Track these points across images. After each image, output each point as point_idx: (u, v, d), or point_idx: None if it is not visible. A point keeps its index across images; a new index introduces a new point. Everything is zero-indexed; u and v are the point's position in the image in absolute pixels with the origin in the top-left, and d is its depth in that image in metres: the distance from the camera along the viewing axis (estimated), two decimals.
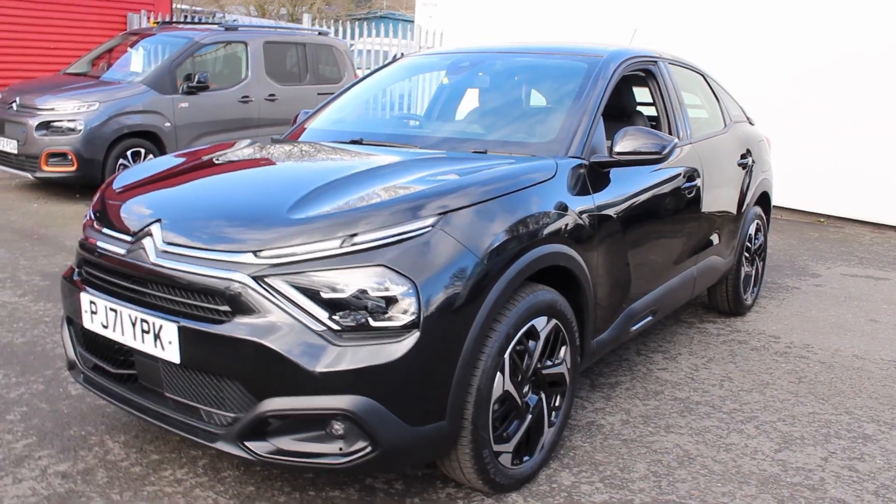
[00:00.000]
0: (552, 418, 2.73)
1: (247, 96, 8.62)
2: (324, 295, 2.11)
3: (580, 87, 3.19)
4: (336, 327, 2.09)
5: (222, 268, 2.17)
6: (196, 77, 7.99)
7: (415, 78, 4.02)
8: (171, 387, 2.32)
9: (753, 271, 4.92)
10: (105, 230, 2.55)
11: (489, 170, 2.58)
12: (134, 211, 2.55)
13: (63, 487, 2.54)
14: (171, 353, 2.22)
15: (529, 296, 2.48)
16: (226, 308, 2.15)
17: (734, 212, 4.39)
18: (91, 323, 2.48)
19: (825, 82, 8.10)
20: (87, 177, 7.29)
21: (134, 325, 2.30)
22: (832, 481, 2.80)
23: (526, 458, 2.62)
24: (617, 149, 2.95)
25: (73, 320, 2.69)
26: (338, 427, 2.15)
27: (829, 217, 8.47)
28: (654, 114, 3.90)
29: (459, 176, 2.53)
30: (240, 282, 2.13)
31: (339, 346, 2.08)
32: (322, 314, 2.10)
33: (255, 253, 2.16)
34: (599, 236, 2.87)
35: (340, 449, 2.14)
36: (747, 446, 3.05)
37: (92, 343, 2.60)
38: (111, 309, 2.38)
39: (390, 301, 2.11)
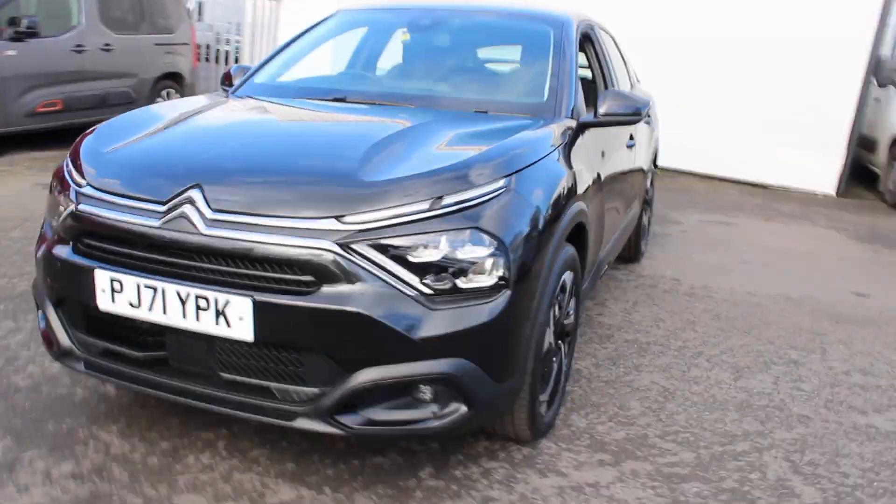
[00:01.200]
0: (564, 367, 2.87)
1: (81, 45, 7.72)
2: (412, 259, 2.05)
3: (557, 50, 3.28)
4: (429, 291, 2.06)
5: (303, 235, 2.03)
6: (23, 21, 7.00)
7: (364, 33, 3.87)
8: (230, 366, 2.15)
9: (647, 220, 5.37)
10: (115, 198, 2.26)
11: (524, 131, 2.62)
12: (155, 175, 2.28)
13: (83, 490, 2.27)
14: (241, 330, 2.05)
15: (563, 250, 2.57)
16: (309, 278, 2.02)
17: (646, 166, 4.74)
18: (111, 303, 2.21)
19: (663, 52, 8.83)
20: None
21: (184, 302, 2.09)
22: (789, 401, 3.22)
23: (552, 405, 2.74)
24: (602, 110, 3.08)
25: (66, 302, 2.38)
26: (425, 391, 2.12)
27: (664, 169, 9.32)
28: (589, 76, 4.08)
29: (493, 135, 2.54)
30: (326, 249, 2.01)
31: (434, 309, 2.05)
32: (413, 279, 2.05)
33: (337, 218, 2.05)
34: (592, 192, 3.02)
35: (434, 413, 2.13)
36: (710, 378, 3.39)
37: (102, 325, 2.32)
38: (147, 286, 2.13)
39: (482, 262, 2.10)
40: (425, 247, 2.07)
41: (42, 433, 2.57)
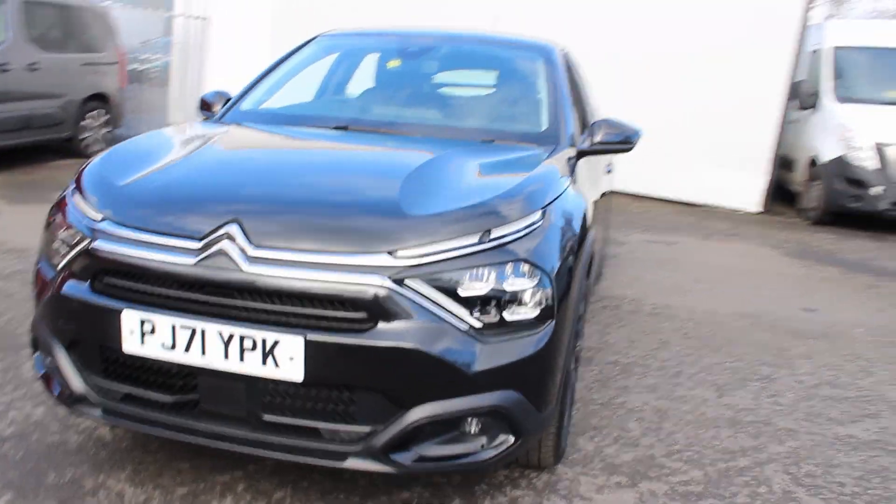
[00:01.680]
0: None
1: (5, 64, 7.33)
2: (462, 293, 2.06)
3: (550, 78, 3.37)
4: (478, 325, 2.07)
5: (354, 271, 2.01)
6: None
7: (347, 59, 3.84)
8: (273, 408, 2.09)
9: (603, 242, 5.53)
10: (141, 234, 2.16)
11: (542, 162, 2.67)
12: (185, 209, 2.20)
13: None
14: (290, 370, 2.00)
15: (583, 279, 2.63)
16: (362, 315, 2.00)
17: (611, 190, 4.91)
18: (140, 346, 2.11)
19: (595, 75, 9.12)
20: None
21: (227, 343, 2.02)
22: (773, 416, 3.37)
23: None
24: (597, 139, 3.18)
25: (80, 345, 2.26)
26: (472, 424, 2.13)
27: None
28: None
29: (515, 167, 2.59)
30: (380, 286, 1.99)
31: (486, 343, 2.06)
32: (464, 313, 2.06)
33: (390, 253, 2.03)
34: (593, 220, 3.10)
35: (482, 445, 2.13)
36: (695, 396, 3.52)
37: (123, 369, 2.21)
38: (183, 327, 2.05)
39: (529, 293, 2.13)
40: (475, 280, 2.08)
41: (45, 485, 2.42)
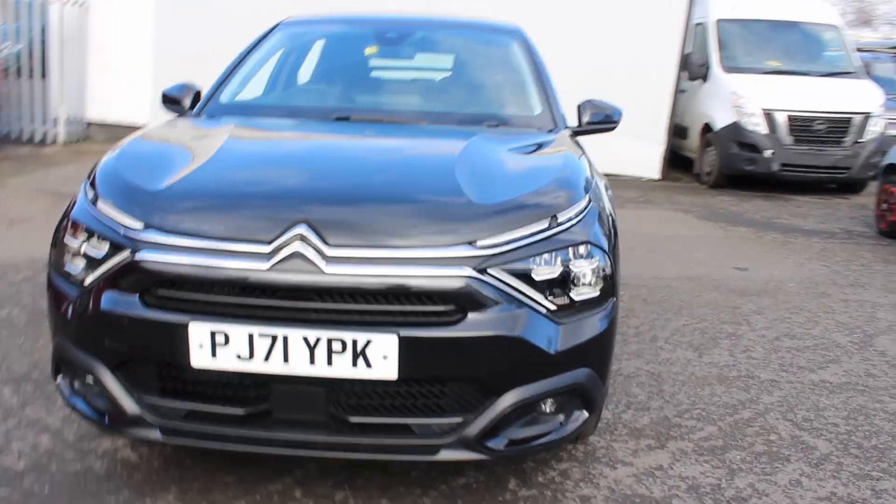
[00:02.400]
0: None
1: None
2: (537, 277, 2.11)
3: (530, 61, 3.43)
4: (553, 307, 2.12)
5: (438, 264, 2.00)
6: None
7: (320, 46, 3.71)
8: (360, 409, 2.06)
9: None
10: (198, 241, 2.05)
11: (563, 147, 2.74)
12: (245, 212, 2.11)
13: None
14: (384, 369, 1.98)
15: None
16: (451, 307, 2.00)
17: None
18: (211, 359, 2.02)
19: None
20: None
21: (313, 348, 1.97)
22: (753, 369, 3.65)
23: None
24: (585, 119, 3.29)
25: (130, 364, 2.13)
26: (549, 404, 2.19)
27: None
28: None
29: (542, 151, 2.65)
30: (467, 276, 2.00)
31: (562, 324, 2.12)
32: (540, 297, 2.11)
33: (470, 244, 2.04)
34: None
35: (561, 423, 2.20)
36: (679, 358, 3.75)
37: (186, 385, 2.11)
38: (262, 335, 1.98)
39: (594, 272, 2.20)
40: (546, 264, 2.13)
41: None
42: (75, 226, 2.30)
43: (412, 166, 2.50)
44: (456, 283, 2.00)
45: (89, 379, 2.23)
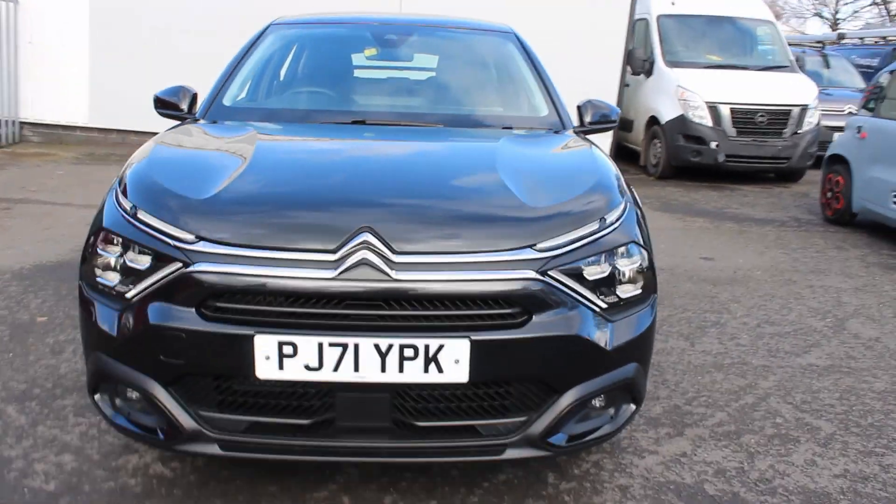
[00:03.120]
0: None
1: None
2: (588, 277, 2.17)
3: (529, 61, 3.50)
4: (604, 306, 2.19)
5: (503, 268, 2.04)
6: None
7: (313, 48, 3.65)
8: (426, 413, 2.08)
9: None
10: (258, 252, 2.03)
11: (584, 145, 2.81)
12: (304, 221, 2.10)
13: None
14: (455, 373, 2.01)
15: None
16: (517, 310, 2.05)
17: None
18: (279, 371, 2.01)
19: None
20: None
21: (384, 355, 1.98)
22: (745, 355, 3.82)
23: None
24: (588, 119, 3.37)
25: (186, 380, 2.09)
26: (598, 399, 2.26)
27: None
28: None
29: (568, 153, 2.72)
30: (531, 279, 2.05)
31: (614, 321, 2.20)
32: (593, 296, 2.17)
33: (531, 247, 2.09)
34: None
35: (611, 417, 2.28)
36: (675, 348, 3.89)
37: (246, 398, 2.08)
38: (333, 345, 1.98)
39: (639, 270, 2.29)
40: (597, 264, 2.20)
41: None
42: (110, 237, 2.23)
43: (457, 171, 2.53)
44: (521, 286, 2.05)
45: (134, 395, 2.18)
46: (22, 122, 9.78)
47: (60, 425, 2.84)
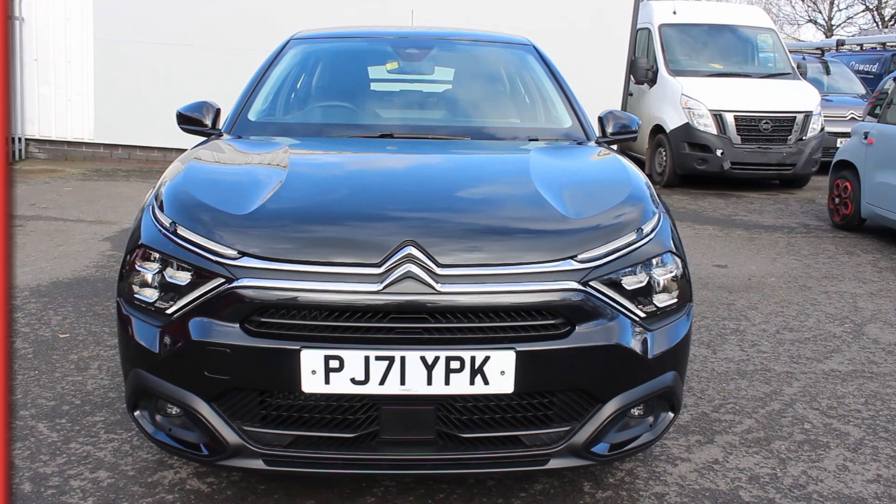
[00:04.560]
0: None
1: None
2: (628, 287, 2.19)
3: (550, 73, 3.52)
4: (644, 315, 2.21)
5: (546, 280, 2.06)
6: None
7: (335, 62, 3.67)
8: (472, 425, 2.09)
9: None
10: (303, 267, 2.05)
11: (612, 155, 2.84)
12: (347, 235, 2.11)
13: None
14: (501, 384, 2.03)
15: None
16: (560, 321, 2.06)
17: None
18: (325, 385, 2.02)
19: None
20: None
21: (431, 367, 1.99)
22: (767, 362, 3.84)
23: None
24: (609, 130, 3.40)
25: (229, 395, 2.10)
26: (639, 407, 2.27)
27: None
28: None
29: (597, 163, 2.74)
30: (574, 290, 2.07)
31: (654, 330, 2.21)
32: (633, 306, 2.19)
33: (573, 258, 2.10)
34: None
35: (650, 425, 2.29)
36: (697, 356, 3.90)
37: (291, 412, 2.09)
38: (379, 358, 1.99)
39: (675, 280, 2.30)
40: (635, 274, 2.22)
41: None
42: (149, 254, 2.24)
43: (494, 182, 2.55)
44: (565, 297, 2.07)
45: (175, 411, 2.18)
46: (28, 139, 9.80)
47: (93, 441, 2.84)
